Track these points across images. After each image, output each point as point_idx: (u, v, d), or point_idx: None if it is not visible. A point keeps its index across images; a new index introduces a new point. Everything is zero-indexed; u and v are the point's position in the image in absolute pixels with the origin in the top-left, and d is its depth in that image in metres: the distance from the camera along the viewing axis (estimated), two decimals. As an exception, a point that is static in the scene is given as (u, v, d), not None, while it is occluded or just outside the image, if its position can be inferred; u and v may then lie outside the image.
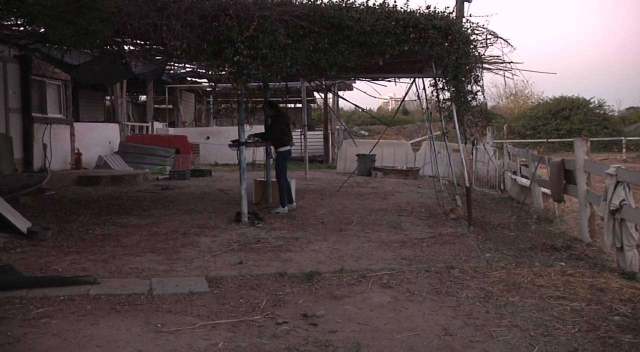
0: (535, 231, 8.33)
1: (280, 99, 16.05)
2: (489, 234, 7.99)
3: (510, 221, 9.10)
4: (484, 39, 9.15)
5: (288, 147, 9.90)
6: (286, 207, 9.73)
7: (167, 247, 7.01)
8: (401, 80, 11.68)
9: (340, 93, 22.17)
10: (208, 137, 22.15)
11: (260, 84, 11.45)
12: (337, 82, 16.83)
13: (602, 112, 35.97)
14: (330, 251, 6.91)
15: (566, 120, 34.55)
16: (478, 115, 9.81)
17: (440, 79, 9.38)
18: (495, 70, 10.00)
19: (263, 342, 4.09)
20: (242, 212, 8.67)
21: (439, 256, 6.71)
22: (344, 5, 8.30)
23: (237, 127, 9.23)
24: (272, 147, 10.27)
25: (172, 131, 22.71)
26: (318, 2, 8.31)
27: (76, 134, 16.02)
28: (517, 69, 9.84)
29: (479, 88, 9.27)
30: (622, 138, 29.22)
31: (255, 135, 10.07)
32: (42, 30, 7.66)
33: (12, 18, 7.81)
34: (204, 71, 16.41)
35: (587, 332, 4.29)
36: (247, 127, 9.28)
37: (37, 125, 13.90)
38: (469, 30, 8.97)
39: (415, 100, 14.75)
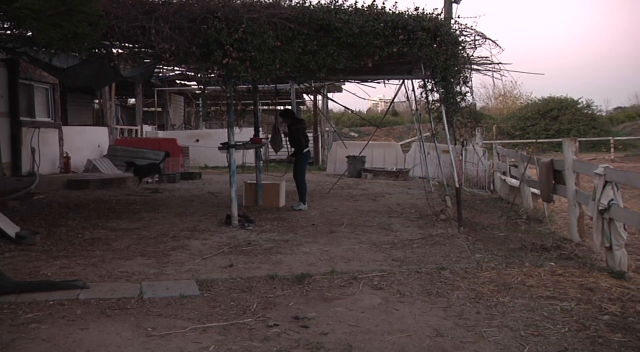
0: (524, 231, 8.37)
1: (270, 100, 16.05)
2: (479, 234, 8.02)
3: (500, 222, 9.14)
4: (472, 40, 9.17)
5: (307, 149, 10.60)
6: (306, 204, 10.34)
7: (157, 251, 6.97)
8: (390, 81, 11.73)
9: (330, 95, 22.19)
10: (197, 140, 22.06)
11: (250, 86, 11.46)
12: (327, 84, 16.84)
13: (590, 112, 36.19)
14: (320, 253, 6.91)
15: (555, 120, 34.75)
16: (467, 116, 9.85)
17: (429, 80, 9.39)
18: (484, 71, 10.04)
19: (254, 345, 4.08)
20: (232, 214, 8.65)
21: (429, 257, 6.72)
22: (332, 7, 8.30)
23: (226, 129, 9.22)
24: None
25: (161, 134, 22.60)
26: (307, 4, 8.31)
27: (65, 137, 15.94)
28: (506, 70, 9.88)
29: (467, 89, 9.30)
30: (610, 138, 29.46)
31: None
32: (30, 33, 7.61)
33: (-1, 21, 7.76)
34: (193, 74, 16.37)
35: (577, 331, 4.31)
36: (236, 129, 9.27)
37: (25, 129, 13.82)
38: (458, 32, 8.99)
39: (405, 101, 14.78)
